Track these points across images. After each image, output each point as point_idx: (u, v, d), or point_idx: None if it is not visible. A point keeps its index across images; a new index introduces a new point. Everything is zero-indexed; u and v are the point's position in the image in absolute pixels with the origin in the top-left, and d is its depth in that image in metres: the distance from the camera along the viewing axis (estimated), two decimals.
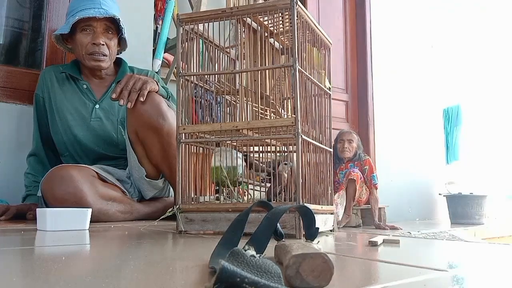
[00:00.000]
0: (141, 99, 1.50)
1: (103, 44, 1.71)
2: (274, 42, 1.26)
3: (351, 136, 3.06)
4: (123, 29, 1.75)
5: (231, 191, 1.10)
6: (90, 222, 1.15)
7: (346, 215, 2.81)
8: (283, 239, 0.69)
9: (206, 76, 1.19)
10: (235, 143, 1.15)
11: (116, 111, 1.78)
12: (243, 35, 1.18)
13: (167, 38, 2.33)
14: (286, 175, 1.07)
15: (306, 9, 1.16)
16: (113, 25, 1.73)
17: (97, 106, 1.76)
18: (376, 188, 2.98)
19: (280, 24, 1.18)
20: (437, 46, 4.39)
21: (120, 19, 1.72)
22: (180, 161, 1.08)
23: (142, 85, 1.51)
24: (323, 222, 1.10)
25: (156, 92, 1.58)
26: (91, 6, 1.66)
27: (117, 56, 1.90)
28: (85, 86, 1.78)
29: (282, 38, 1.24)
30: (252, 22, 1.16)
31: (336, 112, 3.62)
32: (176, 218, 1.06)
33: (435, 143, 4.30)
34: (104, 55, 1.72)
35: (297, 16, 1.03)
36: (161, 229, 1.21)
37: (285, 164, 1.08)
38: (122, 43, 1.84)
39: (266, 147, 1.22)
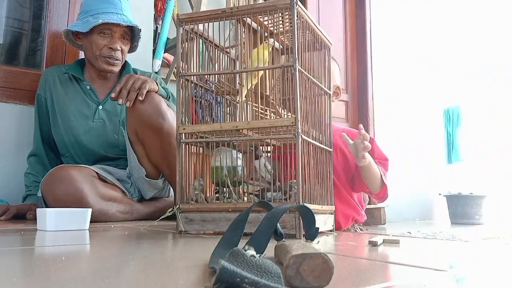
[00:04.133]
0: (140, 98, 1.51)
1: (119, 50, 1.72)
2: (274, 42, 1.26)
3: None
4: (139, 40, 1.80)
5: (230, 192, 1.09)
6: (90, 222, 1.15)
7: None
8: (283, 239, 0.69)
9: (206, 76, 1.19)
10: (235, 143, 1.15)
11: (118, 112, 1.78)
12: (243, 35, 1.17)
13: (167, 38, 2.33)
14: (262, 171, 1.07)
15: (306, 9, 1.16)
16: (129, 32, 1.76)
17: (100, 107, 1.76)
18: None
19: (280, 24, 1.18)
20: (437, 46, 4.38)
21: (141, 29, 1.75)
22: (180, 161, 1.08)
23: (141, 85, 1.52)
24: (323, 222, 1.11)
25: (156, 92, 1.58)
26: (113, 10, 1.68)
27: None
28: (88, 87, 1.78)
29: (282, 38, 1.24)
30: (252, 22, 1.16)
31: (336, 112, 3.62)
32: (176, 218, 1.06)
33: (435, 143, 4.29)
34: (118, 60, 1.74)
35: (297, 16, 1.03)
36: (161, 229, 1.21)
37: (257, 159, 1.07)
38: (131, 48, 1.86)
39: (266, 147, 1.22)
